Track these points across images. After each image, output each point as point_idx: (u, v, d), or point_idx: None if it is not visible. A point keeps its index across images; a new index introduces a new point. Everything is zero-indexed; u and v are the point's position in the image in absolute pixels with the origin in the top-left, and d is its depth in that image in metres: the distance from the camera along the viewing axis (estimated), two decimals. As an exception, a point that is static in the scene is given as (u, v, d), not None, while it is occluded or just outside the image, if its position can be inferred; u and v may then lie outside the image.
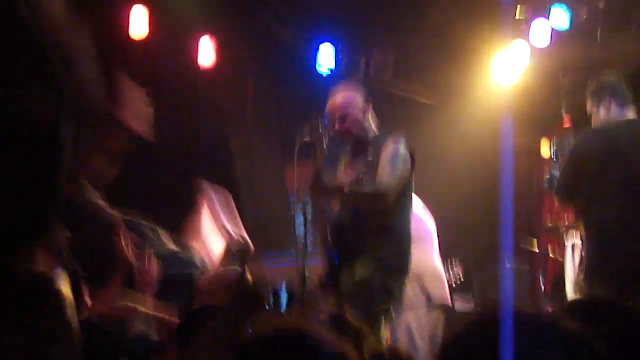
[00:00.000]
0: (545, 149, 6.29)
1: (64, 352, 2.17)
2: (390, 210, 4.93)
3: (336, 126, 5.11)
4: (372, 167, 4.95)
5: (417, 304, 6.23)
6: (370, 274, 4.76)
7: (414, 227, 6.31)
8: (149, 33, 8.21)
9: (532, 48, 7.95)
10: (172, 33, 8.55)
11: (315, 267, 5.32)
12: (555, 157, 5.83)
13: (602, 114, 5.27)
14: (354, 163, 5.18)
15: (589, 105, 5.38)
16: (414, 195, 6.56)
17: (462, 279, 7.11)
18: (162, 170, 9.83)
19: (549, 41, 7.77)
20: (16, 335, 2.10)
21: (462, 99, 8.73)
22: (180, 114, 9.45)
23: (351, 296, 4.71)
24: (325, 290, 4.96)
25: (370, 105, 5.23)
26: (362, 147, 5.12)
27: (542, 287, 7.76)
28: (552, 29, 7.69)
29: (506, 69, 8.23)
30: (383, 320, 4.89)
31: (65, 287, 2.24)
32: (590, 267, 5.09)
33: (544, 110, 8.52)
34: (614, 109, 5.25)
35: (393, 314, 5.04)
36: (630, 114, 5.25)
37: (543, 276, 7.83)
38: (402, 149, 4.96)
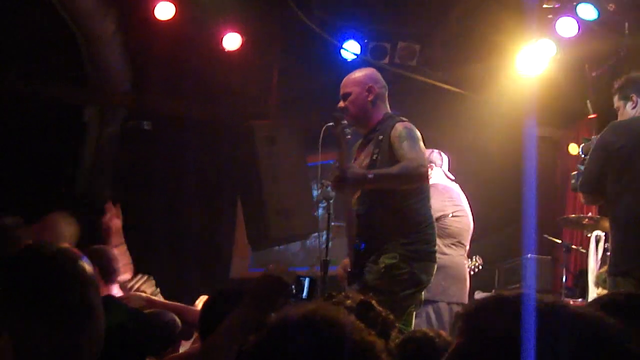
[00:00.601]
0: (574, 146, 6.22)
1: (88, 326, 2.20)
2: (411, 195, 4.89)
3: (339, 104, 5.09)
4: (383, 148, 4.87)
5: (438, 296, 6.23)
6: (397, 261, 4.73)
7: (459, 221, 6.35)
8: (175, 15, 8.25)
9: (559, 38, 7.90)
10: (198, 17, 8.58)
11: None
12: (584, 155, 5.76)
13: (629, 110, 5.23)
14: (366, 146, 5.10)
15: (615, 102, 5.35)
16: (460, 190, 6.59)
17: (481, 267, 7.09)
18: (185, 156, 9.88)
19: (577, 32, 7.72)
20: (42, 308, 2.15)
21: (487, 89, 8.69)
22: (204, 98, 9.50)
23: (378, 283, 4.69)
24: (351, 278, 4.93)
25: (382, 88, 5.15)
26: (370, 128, 5.06)
27: (564, 279, 7.73)
28: (580, 20, 7.64)
29: (532, 60, 8.19)
30: (410, 307, 4.85)
31: (88, 266, 2.27)
32: (614, 261, 5.05)
33: (570, 101, 8.47)
34: None
35: (420, 301, 5.01)
36: None
37: (565, 268, 7.81)
38: (413, 128, 4.91)
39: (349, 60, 8.79)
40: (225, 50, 8.64)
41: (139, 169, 9.50)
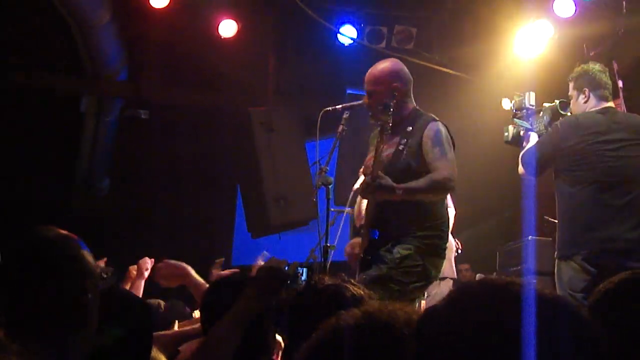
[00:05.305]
0: (506, 101, 6.34)
1: (82, 311, 2.21)
2: None
3: (364, 100, 4.93)
4: (411, 142, 4.73)
5: (448, 276, 6.39)
6: (412, 252, 4.70)
7: None
8: (170, 3, 8.22)
9: (557, 19, 7.87)
10: (193, 4, 8.55)
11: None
12: (515, 110, 5.98)
13: (581, 102, 5.40)
14: (391, 137, 4.79)
15: (570, 89, 5.55)
16: None
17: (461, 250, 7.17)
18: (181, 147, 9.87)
19: (574, 12, 7.69)
20: (34, 291, 2.15)
21: (484, 71, 8.66)
22: (201, 85, 9.47)
23: (392, 273, 4.66)
24: (364, 265, 4.84)
25: (407, 84, 4.95)
26: (396, 124, 4.72)
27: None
28: (577, 0, 7.62)
29: (530, 41, 8.16)
30: (416, 299, 4.89)
31: (88, 255, 2.27)
32: (558, 246, 5.39)
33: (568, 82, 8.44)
34: (592, 100, 5.39)
35: (425, 292, 5.06)
36: (607, 106, 5.38)
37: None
38: (444, 131, 4.80)
39: (345, 44, 8.77)
40: (221, 37, 8.62)
41: (137, 157, 9.49)
